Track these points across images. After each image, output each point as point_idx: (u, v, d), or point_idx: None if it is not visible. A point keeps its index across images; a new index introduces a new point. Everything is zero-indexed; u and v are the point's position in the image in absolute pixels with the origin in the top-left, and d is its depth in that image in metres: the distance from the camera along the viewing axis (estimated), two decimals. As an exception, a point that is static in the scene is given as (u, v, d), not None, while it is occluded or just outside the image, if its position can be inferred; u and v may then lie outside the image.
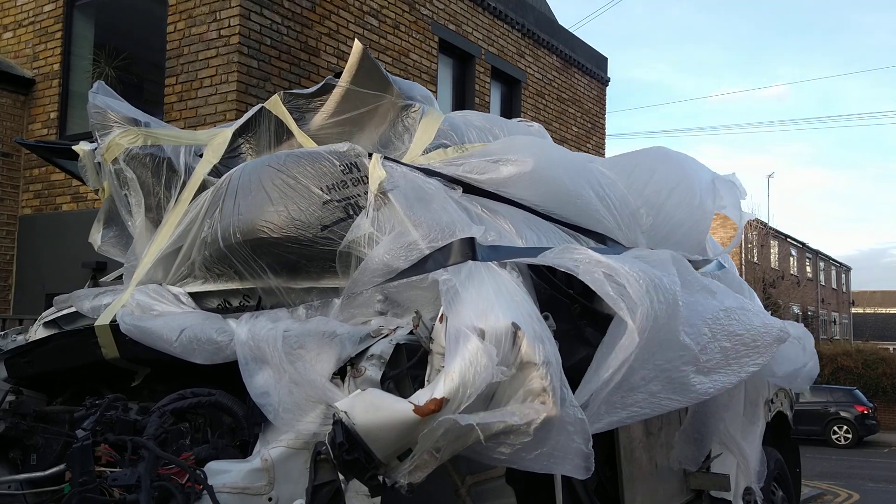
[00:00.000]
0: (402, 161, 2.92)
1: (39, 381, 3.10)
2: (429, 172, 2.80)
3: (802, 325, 4.25)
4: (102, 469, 2.22)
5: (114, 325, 2.80)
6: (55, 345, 3.05)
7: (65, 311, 3.30)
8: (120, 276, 3.51)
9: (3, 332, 3.56)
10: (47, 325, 3.35)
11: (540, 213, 2.94)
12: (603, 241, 3.08)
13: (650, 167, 3.75)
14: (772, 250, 37.32)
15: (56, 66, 10.33)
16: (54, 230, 10.04)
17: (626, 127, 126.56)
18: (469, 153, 3.10)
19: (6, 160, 10.53)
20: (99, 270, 4.44)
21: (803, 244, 43.04)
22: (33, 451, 2.78)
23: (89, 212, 8.10)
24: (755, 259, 33.72)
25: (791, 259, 41.32)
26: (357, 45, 3.26)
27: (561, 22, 16.49)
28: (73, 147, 3.54)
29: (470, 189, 2.84)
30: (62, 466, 2.43)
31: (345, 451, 1.94)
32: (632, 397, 2.36)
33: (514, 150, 2.97)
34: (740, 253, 31.56)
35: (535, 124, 3.87)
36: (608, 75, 16.42)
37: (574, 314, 2.72)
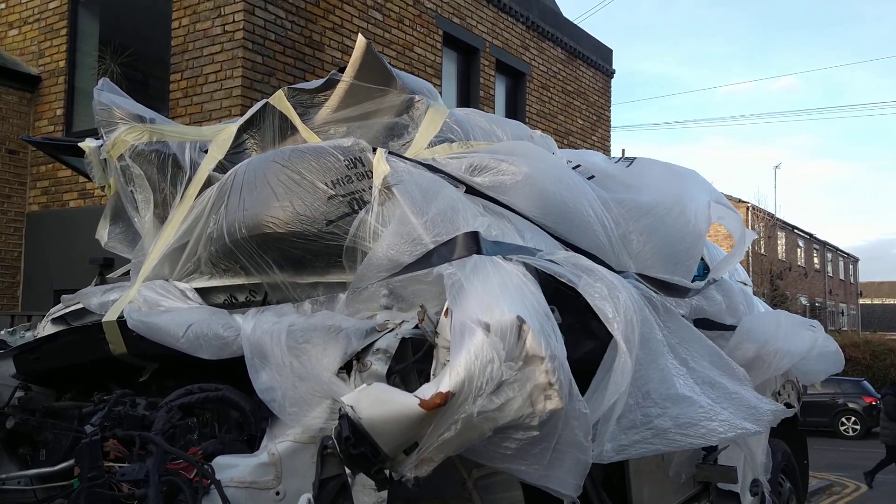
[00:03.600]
0: (406, 156, 2.92)
1: (48, 378, 3.12)
2: (432, 169, 2.80)
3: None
4: (111, 464, 2.24)
5: (121, 321, 2.81)
6: (63, 341, 3.07)
7: (72, 308, 3.31)
8: (127, 273, 3.52)
9: (11, 329, 3.57)
10: (55, 321, 3.37)
11: (537, 225, 2.92)
12: (593, 261, 3.04)
13: (648, 182, 3.66)
14: (779, 241, 37.18)
15: (62, 63, 10.36)
16: (61, 227, 10.08)
17: (633, 119, 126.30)
18: (473, 150, 3.10)
19: (13, 157, 10.57)
20: (106, 267, 4.46)
21: (810, 235, 42.89)
22: (42, 447, 2.80)
23: (96, 208, 8.13)
24: (762, 250, 33.58)
25: (798, 250, 41.18)
26: (361, 40, 3.26)
27: (566, 14, 16.44)
28: (79, 144, 3.55)
29: (471, 191, 2.84)
30: (71, 462, 2.45)
31: (351, 445, 1.95)
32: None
33: (518, 157, 2.95)
34: (747, 245, 31.34)
35: (537, 131, 3.83)
36: (613, 67, 16.38)
37: (580, 307, 2.71)
